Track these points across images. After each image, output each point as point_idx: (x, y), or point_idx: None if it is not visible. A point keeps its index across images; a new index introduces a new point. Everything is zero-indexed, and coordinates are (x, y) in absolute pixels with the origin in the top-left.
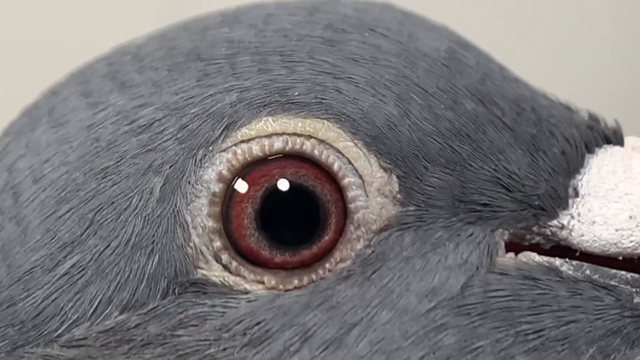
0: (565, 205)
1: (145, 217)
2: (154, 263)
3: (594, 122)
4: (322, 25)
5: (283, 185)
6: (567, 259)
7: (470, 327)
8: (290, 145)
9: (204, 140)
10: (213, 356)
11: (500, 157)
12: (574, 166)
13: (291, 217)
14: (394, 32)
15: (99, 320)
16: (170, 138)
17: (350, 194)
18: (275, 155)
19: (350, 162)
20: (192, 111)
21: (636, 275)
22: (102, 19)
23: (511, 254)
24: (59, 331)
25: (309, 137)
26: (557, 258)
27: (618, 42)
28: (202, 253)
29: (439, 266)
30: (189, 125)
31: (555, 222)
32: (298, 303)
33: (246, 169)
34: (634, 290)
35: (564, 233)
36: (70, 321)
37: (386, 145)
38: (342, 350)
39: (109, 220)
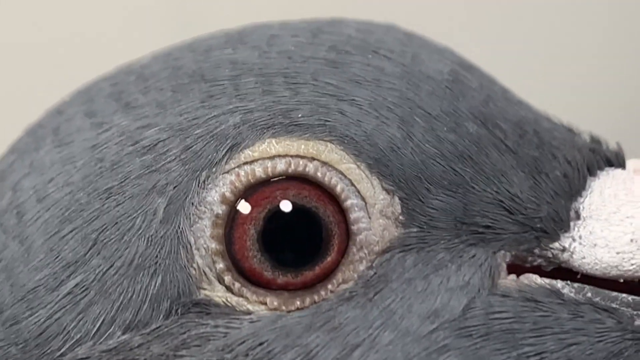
0: (567, 228)
1: (148, 237)
2: (157, 283)
3: (596, 145)
4: (326, 47)
5: (286, 206)
6: (568, 281)
7: (472, 348)
8: (293, 167)
9: (207, 162)
10: None
11: (502, 179)
12: (576, 189)
13: (294, 238)
14: (397, 54)
15: (102, 339)
16: (174, 159)
17: (353, 215)
18: (278, 177)
19: (352, 184)
20: (196, 132)
21: (637, 298)
22: (107, 37)
23: (513, 276)
24: (62, 350)
25: (312, 159)
26: (558, 280)
27: (620, 60)
28: (205, 274)
29: (440, 288)
30: (192, 146)
31: (556, 244)
32: (300, 324)
33: (249, 191)
34: (635, 312)
35: (566, 255)
36: (73, 340)
37: (389, 167)
38: None
39: (113, 240)
